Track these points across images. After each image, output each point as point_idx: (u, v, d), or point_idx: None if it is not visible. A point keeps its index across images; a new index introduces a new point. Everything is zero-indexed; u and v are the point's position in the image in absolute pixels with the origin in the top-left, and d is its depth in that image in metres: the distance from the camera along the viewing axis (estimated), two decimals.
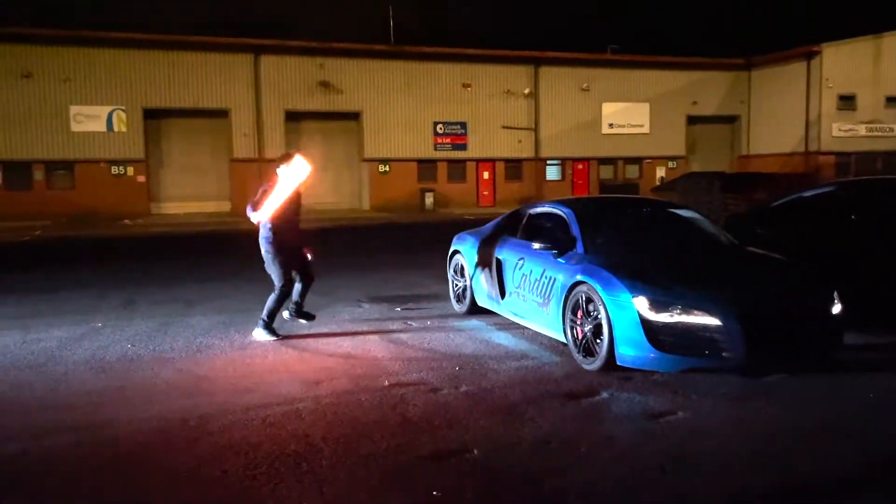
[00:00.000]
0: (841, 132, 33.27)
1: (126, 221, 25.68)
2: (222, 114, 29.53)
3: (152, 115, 28.69)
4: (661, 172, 34.60)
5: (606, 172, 35.04)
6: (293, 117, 30.44)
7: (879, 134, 33.72)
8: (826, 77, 32.85)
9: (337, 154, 31.54)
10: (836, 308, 5.46)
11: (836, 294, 5.53)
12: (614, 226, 6.72)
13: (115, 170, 28.22)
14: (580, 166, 34.66)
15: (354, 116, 31.31)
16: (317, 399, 4.93)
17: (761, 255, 6.31)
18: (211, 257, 14.15)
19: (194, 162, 29.63)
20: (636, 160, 35.30)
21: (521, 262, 6.66)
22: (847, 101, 33.33)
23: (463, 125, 32.56)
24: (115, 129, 28.16)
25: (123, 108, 28.11)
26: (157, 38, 28.78)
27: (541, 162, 33.98)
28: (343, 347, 6.39)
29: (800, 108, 33.77)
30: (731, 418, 4.51)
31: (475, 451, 3.98)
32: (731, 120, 36.99)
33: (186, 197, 29.46)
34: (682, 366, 5.15)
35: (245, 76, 29.59)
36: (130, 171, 28.44)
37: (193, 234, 20.44)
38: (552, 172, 34.38)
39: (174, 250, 16.03)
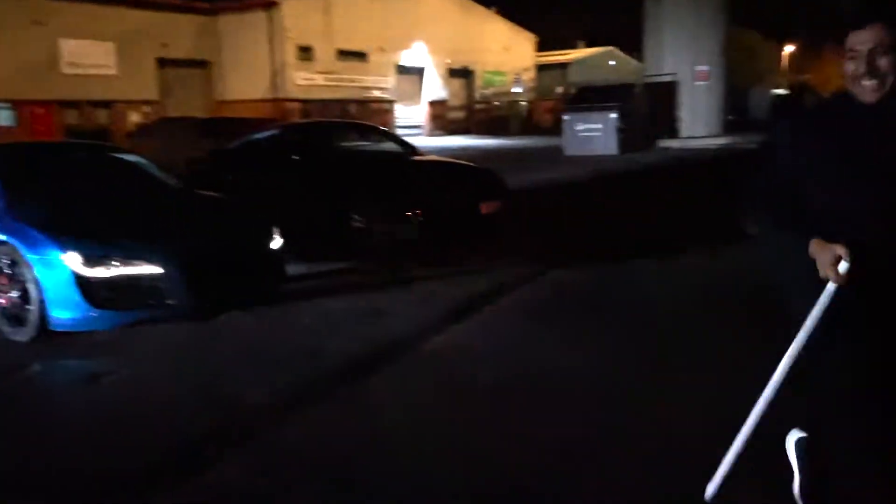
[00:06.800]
0: (303, 81, 36.34)
1: None
2: None
3: None
4: (135, 117, 32.69)
5: (72, 117, 31.49)
6: None
7: (336, 84, 37.92)
8: (286, 28, 35.26)
9: None
10: (277, 243, 5.85)
11: (275, 230, 5.90)
12: (47, 175, 5.99)
13: None
14: (41, 111, 30.35)
15: None
16: None
17: (206, 198, 6.37)
18: None
19: None
20: (106, 104, 32.57)
21: None
22: (306, 53, 36.47)
23: None
24: None
25: None
26: None
27: None
28: None
29: (266, 57, 35.63)
30: (176, 364, 4.51)
31: None
32: (204, 65, 36.93)
33: None
34: (126, 320, 4.90)
35: None
36: None
37: None
38: (4, 118, 29.34)
39: None
